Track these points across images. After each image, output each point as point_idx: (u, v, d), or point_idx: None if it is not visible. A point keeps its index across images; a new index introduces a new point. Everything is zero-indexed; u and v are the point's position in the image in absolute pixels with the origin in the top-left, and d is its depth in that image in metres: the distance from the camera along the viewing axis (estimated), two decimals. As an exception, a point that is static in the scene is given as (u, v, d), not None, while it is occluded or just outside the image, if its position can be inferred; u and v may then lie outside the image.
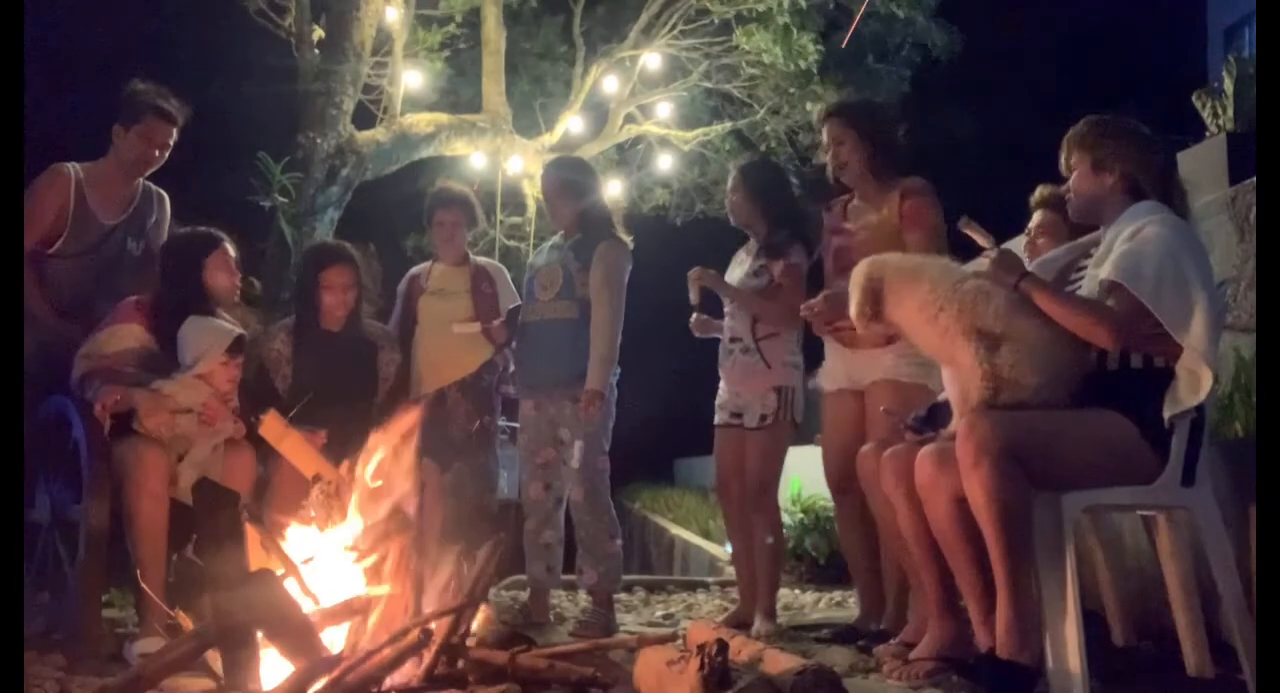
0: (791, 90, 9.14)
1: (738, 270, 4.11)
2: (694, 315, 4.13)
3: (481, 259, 4.62)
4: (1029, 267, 2.86)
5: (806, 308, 3.60)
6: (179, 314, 3.54)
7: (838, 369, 3.78)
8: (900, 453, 2.93)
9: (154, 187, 3.97)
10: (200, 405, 3.45)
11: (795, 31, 8.49)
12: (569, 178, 4.23)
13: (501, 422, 4.74)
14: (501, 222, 9.57)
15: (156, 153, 3.81)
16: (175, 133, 3.84)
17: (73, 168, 3.76)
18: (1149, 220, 2.69)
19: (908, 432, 3.07)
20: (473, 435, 4.21)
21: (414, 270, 4.53)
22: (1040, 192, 3.70)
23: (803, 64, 8.63)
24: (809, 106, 9.09)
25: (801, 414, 4.02)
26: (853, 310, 2.93)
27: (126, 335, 3.51)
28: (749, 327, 3.97)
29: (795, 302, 3.73)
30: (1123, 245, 2.66)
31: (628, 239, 4.19)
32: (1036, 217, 3.68)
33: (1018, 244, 3.63)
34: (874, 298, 2.88)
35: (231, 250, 3.70)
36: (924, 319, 2.80)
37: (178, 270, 3.64)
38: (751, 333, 3.96)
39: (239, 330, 3.57)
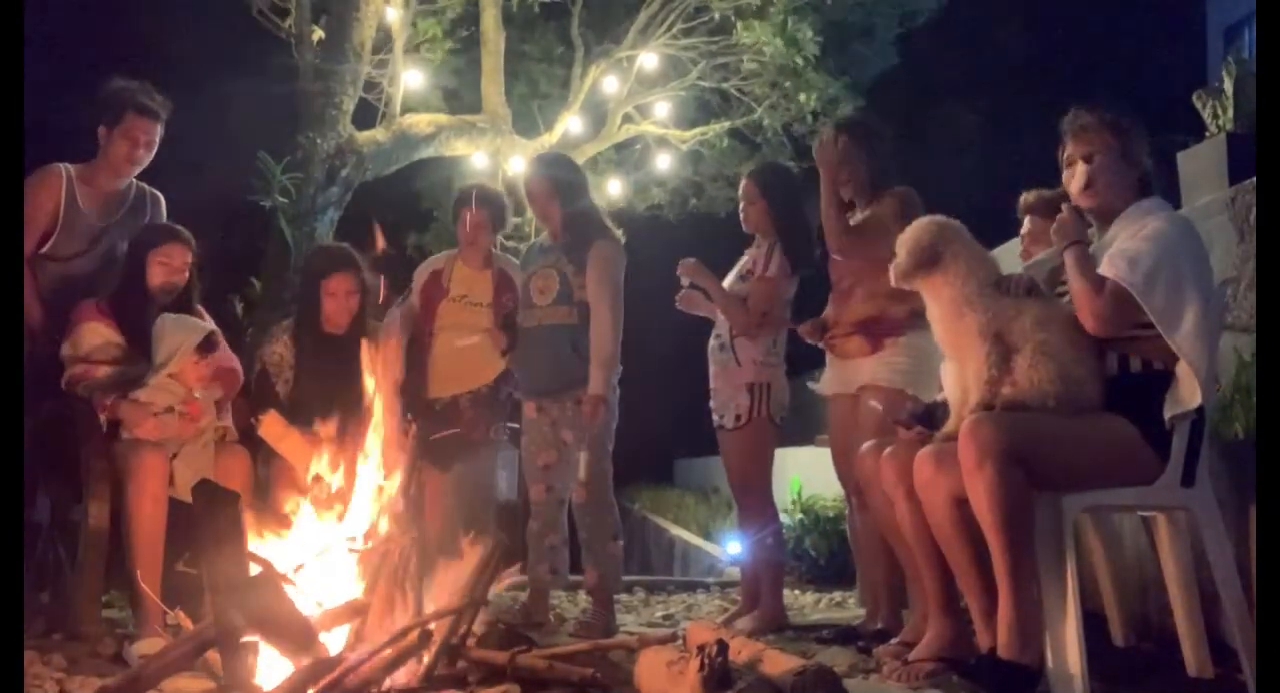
0: (787, 83, 9.12)
1: (733, 270, 4.18)
2: (681, 291, 4.20)
3: (505, 259, 4.47)
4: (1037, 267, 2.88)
5: (802, 329, 3.89)
6: (134, 310, 3.57)
7: (833, 374, 3.89)
8: (900, 452, 2.94)
9: (148, 188, 3.94)
10: (180, 404, 3.46)
11: (793, 23, 8.48)
12: (558, 177, 4.13)
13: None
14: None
15: (141, 152, 3.77)
16: (160, 129, 3.79)
17: (64, 168, 3.74)
18: (1156, 216, 2.70)
19: (899, 426, 3.09)
20: (477, 441, 4.19)
21: (436, 265, 4.38)
22: (1026, 198, 3.70)
23: (799, 59, 8.62)
24: (804, 98, 9.08)
25: (783, 414, 4.05)
26: (898, 265, 2.91)
27: (93, 334, 3.53)
28: (727, 324, 4.07)
29: (759, 313, 3.96)
30: (1124, 242, 2.66)
31: (618, 234, 4.15)
32: (1026, 224, 3.69)
33: (1011, 249, 3.63)
34: (926, 264, 2.85)
35: (180, 249, 3.66)
36: (952, 311, 2.81)
37: (127, 266, 3.66)
38: (728, 330, 4.06)
39: (210, 328, 3.58)
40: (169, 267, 3.63)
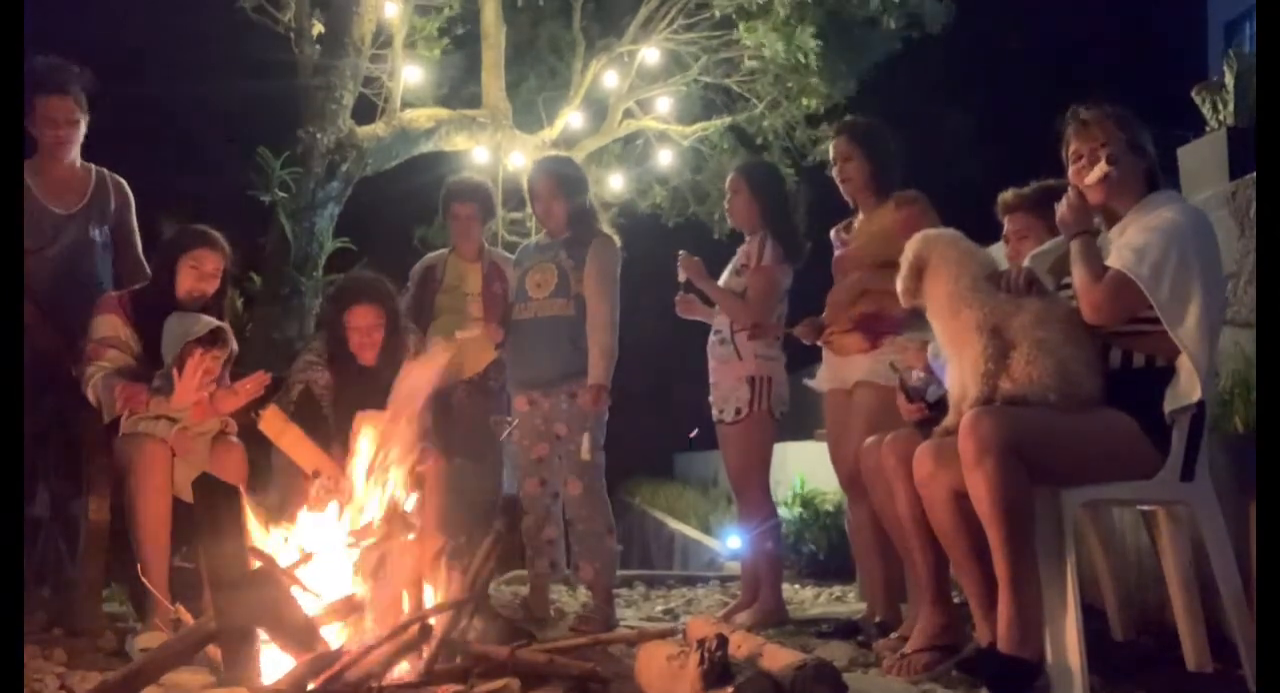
0: (790, 84, 9.10)
1: (728, 267, 4.20)
2: (679, 293, 4.20)
3: (496, 252, 4.55)
4: (1026, 263, 2.87)
5: (799, 330, 3.91)
6: (151, 310, 3.53)
7: (830, 370, 3.89)
8: (902, 437, 2.97)
9: (109, 173, 3.88)
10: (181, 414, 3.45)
11: (796, 25, 8.46)
12: (565, 175, 4.21)
13: (502, 418, 4.74)
14: (502, 217, 9.53)
15: (64, 130, 3.67)
16: (74, 102, 3.66)
17: None
18: (1168, 207, 2.68)
19: (903, 394, 3.13)
20: (477, 431, 4.20)
21: (431, 260, 4.51)
22: (1004, 197, 3.66)
23: (802, 59, 8.60)
24: (806, 101, 9.08)
25: (782, 409, 4.06)
26: (899, 284, 2.94)
27: (104, 325, 3.50)
28: (727, 319, 4.08)
29: (759, 303, 3.98)
30: (1135, 234, 2.66)
31: (615, 236, 4.22)
32: (1008, 223, 3.66)
33: (999, 249, 3.61)
34: (917, 275, 2.90)
35: (213, 255, 3.58)
36: (948, 310, 2.81)
37: (155, 267, 3.64)
38: (729, 325, 4.07)
39: (215, 323, 3.53)
40: (199, 271, 3.56)
